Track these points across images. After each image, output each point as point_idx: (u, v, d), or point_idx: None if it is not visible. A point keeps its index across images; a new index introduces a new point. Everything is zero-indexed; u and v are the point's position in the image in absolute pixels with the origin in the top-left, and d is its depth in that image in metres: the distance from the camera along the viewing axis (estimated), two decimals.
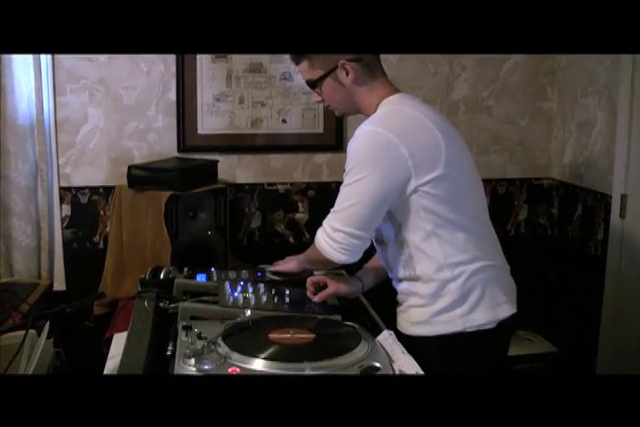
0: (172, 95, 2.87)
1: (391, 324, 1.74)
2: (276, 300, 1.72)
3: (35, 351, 1.57)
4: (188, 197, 2.55)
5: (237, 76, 2.90)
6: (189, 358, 1.33)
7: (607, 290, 2.72)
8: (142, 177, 2.61)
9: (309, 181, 3.03)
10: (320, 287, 1.77)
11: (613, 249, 2.68)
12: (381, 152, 1.56)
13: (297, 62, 1.71)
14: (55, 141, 2.81)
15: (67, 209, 2.87)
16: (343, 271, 2.00)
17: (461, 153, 1.67)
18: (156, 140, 2.89)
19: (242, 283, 1.80)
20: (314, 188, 3.03)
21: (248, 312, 1.62)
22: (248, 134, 2.95)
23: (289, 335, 1.46)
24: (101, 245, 2.87)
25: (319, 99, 1.75)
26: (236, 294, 1.72)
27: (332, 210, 1.62)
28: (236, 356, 1.35)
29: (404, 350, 1.47)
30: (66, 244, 2.88)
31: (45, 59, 2.73)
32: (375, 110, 1.66)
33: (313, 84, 1.71)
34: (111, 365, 1.53)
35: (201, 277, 1.92)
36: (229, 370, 1.31)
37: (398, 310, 1.76)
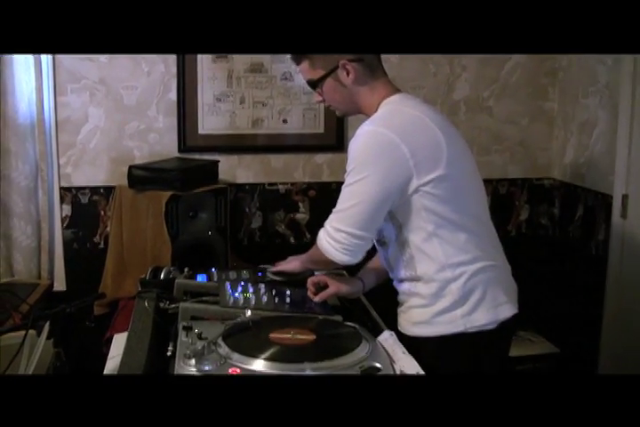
0: (173, 95, 2.87)
1: (392, 324, 1.74)
2: (276, 300, 1.71)
3: (35, 352, 1.57)
4: (188, 198, 2.55)
5: (238, 76, 2.90)
6: (190, 358, 1.33)
7: (608, 290, 2.71)
8: (143, 177, 2.61)
9: (310, 182, 3.03)
10: (321, 287, 1.77)
11: (615, 249, 2.68)
12: (382, 152, 1.55)
13: (298, 62, 1.71)
14: (56, 141, 2.81)
15: (67, 209, 2.87)
16: (344, 271, 2.00)
17: (462, 153, 1.67)
18: (157, 141, 2.89)
19: (242, 283, 1.79)
20: (314, 188, 3.03)
21: (248, 313, 1.62)
22: (249, 134, 2.95)
23: (289, 336, 1.45)
24: (102, 246, 2.87)
25: (320, 99, 1.74)
26: (236, 295, 1.71)
27: (333, 210, 1.62)
28: (236, 356, 1.35)
29: (404, 350, 1.47)
30: (66, 244, 2.89)
31: (46, 59, 2.74)
32: (376, 110, 1.66)
33: (314, 85, 1.71)
34: (111, 365, 1.53)
35: (201, 278, 1.91)
36: (230, 370, 1.31)
37: (399, 310, 1.76)
